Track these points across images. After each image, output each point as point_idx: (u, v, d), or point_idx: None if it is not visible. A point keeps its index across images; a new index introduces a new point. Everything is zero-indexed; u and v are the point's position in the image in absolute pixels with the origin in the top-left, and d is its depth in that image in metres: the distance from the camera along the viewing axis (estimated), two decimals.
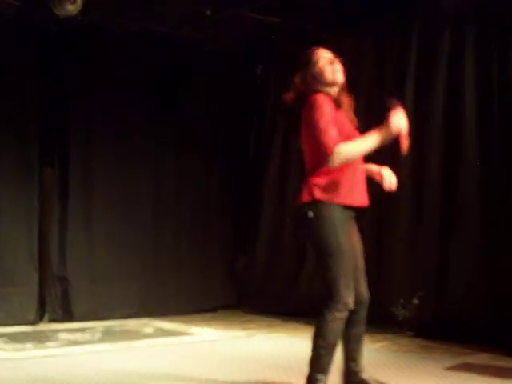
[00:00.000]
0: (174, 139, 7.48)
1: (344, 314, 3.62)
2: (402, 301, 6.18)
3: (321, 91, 3.73)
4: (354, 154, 3.61)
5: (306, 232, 3.72)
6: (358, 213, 3.81)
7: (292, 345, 5.62)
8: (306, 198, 3.67)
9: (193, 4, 6.48)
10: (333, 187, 3.64)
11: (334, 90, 3.80)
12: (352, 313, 3.71)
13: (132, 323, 6.70)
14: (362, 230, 6.46)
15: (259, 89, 8.07)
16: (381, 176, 3.87)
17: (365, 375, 3.91)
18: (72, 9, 5.83)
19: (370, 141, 3.60)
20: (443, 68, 6.16)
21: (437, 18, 6.24)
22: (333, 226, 3.61)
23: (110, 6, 6.42)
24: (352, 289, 3.64)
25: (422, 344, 5.69)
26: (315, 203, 3.63)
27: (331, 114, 3.63)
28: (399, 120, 3.56)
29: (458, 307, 5.79)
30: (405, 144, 3.57)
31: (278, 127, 7.73)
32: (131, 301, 7.05)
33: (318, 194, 3.63)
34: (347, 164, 3.61)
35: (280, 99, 7.47)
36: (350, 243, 3.69)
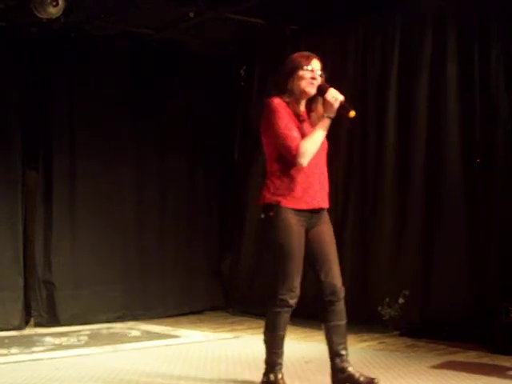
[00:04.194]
0: (158, 141, 7.47)
1: (285, 309, 3.84)
2: (387, 300, 6.21)
3: (279, 96, 3.88)
4: (315, 145, 3.79)
5: (260, 232, 3.97)
6: (316, 214, 3.92)
7: None
8: (260, 200, 3.92)
9: (176, 6, 6.46)
10: (283, 191, 3.83)
11: (300, 100, 3.93)
12: (329, 305, 3.91)
13: (118, 326, 6.68)
14: (346, 230, 6.51)
15: (243, 90, 8.08)
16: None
17: (352, 369, 3.95)
18: (54, 11, 5.80)
19: (322, 127, 3.81)
20: (425, 68, 6.19)
21: (419, 18, 6.28)
22: (279, 229, 3.82)
23: (93, 9, 6.39)
24: (293, 289, 3.82)
25: (408, 343, 5.71)
26: (267, 206, 3.87)
27: (287, 117, 3.82)
28: (333, 93, 3.79)
29: (444, 306, 5.83)
30: (349, 111, 3.80)
31: None
32: (117, 304, 7.03)
33: (270, 198, 3.85)
34: (298, 170, 3.81)
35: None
36: (297, 245, 3.84)
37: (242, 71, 8.12)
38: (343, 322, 3.99)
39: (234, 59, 7.99)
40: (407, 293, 6.11)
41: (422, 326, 5.93)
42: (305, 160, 3.77)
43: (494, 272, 5.60)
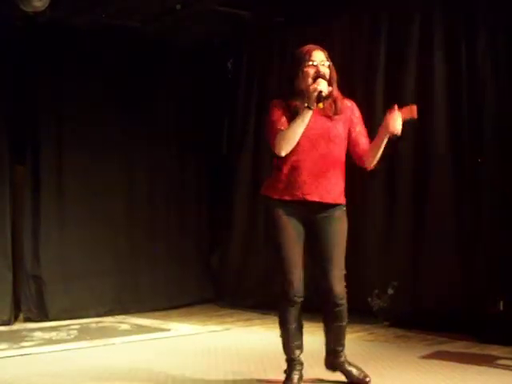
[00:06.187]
0: (146, 134, 7.43)
1: (289, 303, 3.81)
2: (376, 291, 6.22)
3: (280, 99, 3.89)
4: (292, 134, 3.73)
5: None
6: (308, 208, 3.86)
7: (269, 338, 5.61)
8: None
9: None
10: (272, 183, 3.92)
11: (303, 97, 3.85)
12: (326, 308, 3.92)
13: (108, 320, 6.66)
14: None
15: (231, 83, 8.06)
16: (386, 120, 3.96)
17: (344, 359, 4.02)
18: (39, 4, 5.75)
19: (301, 116, 3.72)
20: (412, 58, 6.19)
21: (405, 8, 6.27)
22: (270, 221, 3.89)
23: (79, 1, 6.35)
24: (289, 281, 3.77)
25: (398, 333, 5.74)
26: (262, 198, 3.99)
27: (280, 114, 3.81)
28: (316, 84, 3.74)
29: (433, 296, 5.85)
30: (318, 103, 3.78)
31: (249, 121, 7.72)
32: (107, 298, 7.01)
33: (263, 190, 3.98)
34: (285, 162, 3.81)
35: (251, 92, 7.37)
36: (287, 236, 3.82)
37: (228, 64, 8.11)
38: (344, 323, 3.98)
39: (220, 52, 7.97)
40: (396, 284, 6.13)
41: (411, 317, 5.95)
42: (281, 149, 3.73)
43: (483, 263, 5.61)
